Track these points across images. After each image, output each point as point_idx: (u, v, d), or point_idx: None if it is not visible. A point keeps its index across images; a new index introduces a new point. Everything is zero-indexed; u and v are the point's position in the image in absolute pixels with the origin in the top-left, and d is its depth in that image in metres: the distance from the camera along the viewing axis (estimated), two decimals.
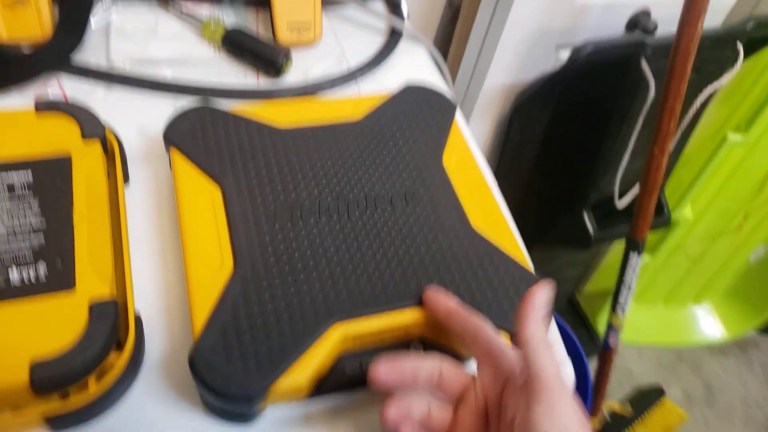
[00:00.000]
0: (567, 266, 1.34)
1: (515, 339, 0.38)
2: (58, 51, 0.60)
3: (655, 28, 0.90)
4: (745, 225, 1.24)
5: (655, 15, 0.94)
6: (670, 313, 1.49)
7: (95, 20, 0.65)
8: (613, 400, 1.39)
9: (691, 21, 0.71)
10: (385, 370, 0.40)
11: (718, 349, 1.55)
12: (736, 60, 0.91)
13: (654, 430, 1.35)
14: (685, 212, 1.20)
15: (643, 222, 0.88)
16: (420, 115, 0.56)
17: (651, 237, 1.03)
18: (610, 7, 0.93)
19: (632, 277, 0.95)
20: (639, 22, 0.91)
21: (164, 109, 0.60)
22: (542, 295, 0.39)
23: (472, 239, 0.47)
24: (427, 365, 0.41)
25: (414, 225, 0.47)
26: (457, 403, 0.41)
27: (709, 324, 1.50)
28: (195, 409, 0.43)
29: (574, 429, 0.34)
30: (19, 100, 0.58)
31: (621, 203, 0.98)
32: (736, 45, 0.90)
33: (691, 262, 1.34)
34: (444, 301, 0.42)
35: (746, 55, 0.92)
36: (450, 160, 0.53)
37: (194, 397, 0.43)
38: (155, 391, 0.43)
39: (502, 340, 0.40)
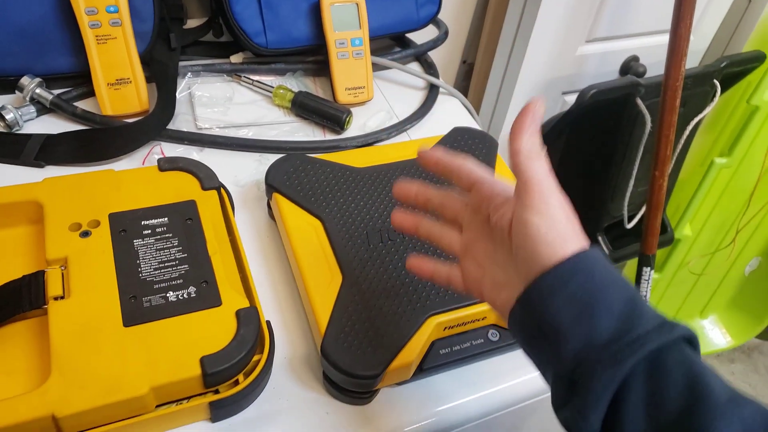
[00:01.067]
0: None
1: (510, 149, 0.39)
2: (159, 122, 0.71)
3: (645, 71, 1.04)
4: (738, 239, 1.36)
5: (644, 60, 1.09)
6: None
7: (178, 93, 0.77)
8: None
9: (675, 64, 0.85)
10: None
11: (726, 357, 1.65)
12: (714, 94, 1.05)
13: None
14: (685, 231, 1.32)
15: (651, 237, 0.99)
16: (469, 151, 0.67)
17: (658, 256, 1.14)
18: (604, 56, 1.08)
19: (647, 289, 1.05)
20: (630, 67, 1.05)
21: (250, 163, 0.71)
22: (536, 110, 0.39)
23: None
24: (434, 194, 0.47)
25: None
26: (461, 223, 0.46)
27: (716, 334, 1.61)
28: (320, 395, 0.53)
29: (562, 221, 0.37)
30: (129, 165, 0.69)
31: (630, 224, 1.10)
32: (713, 81, 1.03)
33: (694, 277, 1.45)
34: (432, 152, 0.47)
35: (723, 89, 1.06)
36: None
37: (318, 386, 0.53)
38: (285, 383, 0.53)
39: (483, 170, 0.45)
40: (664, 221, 1.23)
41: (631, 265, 1.36)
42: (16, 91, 0.70)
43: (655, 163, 0.93)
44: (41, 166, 0.67)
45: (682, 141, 1.05)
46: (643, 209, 1.10)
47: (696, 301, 1.54)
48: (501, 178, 0.45)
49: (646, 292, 1.05)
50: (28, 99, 0.70)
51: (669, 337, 0.34)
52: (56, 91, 0.72)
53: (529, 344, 0.39)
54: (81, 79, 0.73)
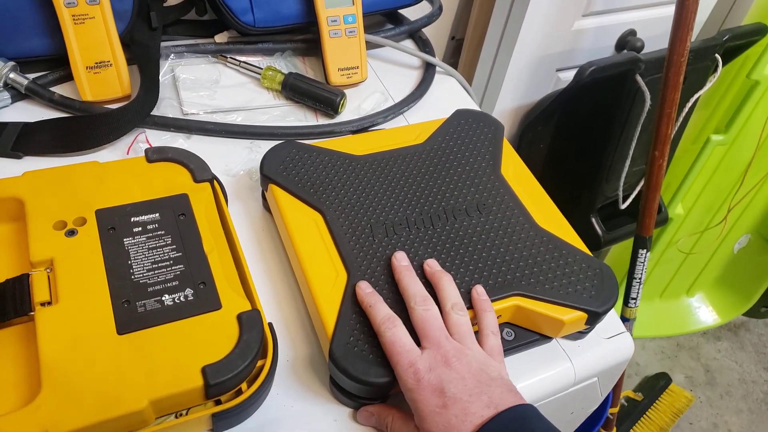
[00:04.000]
0: None
1: None
2: (143, 108, 0.67)
3: (642, 46, 1.01)
4: (729, 217, 1.35)
5: (641, 34, 1.06)
6: (667, 306, 1.60)
7: (161, 76, 0.73)
8: (627, 390, 1.48)
9: (681, 38, 0.82)
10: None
11: (712, 335, 1.67)
12: (715, 69, 1.03)
13: (665, 413, 1.45)
14: (677, 210, 1.31)
15: (649, 219, 0.98)
16: (473, 135, 0.64)
17: None
18: (600, 30, 1.05)
19: (642, 271, 1.04)
20: (627, 42, 1.02)
21: (240, 150, 0.68)
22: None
23: (542, 236, 0.56)
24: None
25: (491, 230, 0.56)
26: None
27: (703, 312, 1.62)
28: (326, 401, 0.50)
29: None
30: (113, 155, 0.65)
31: (624, 204, 1.08)
32: (714, 56, 1.01)
33: (683, 256, 1.45)
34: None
35: (723, 64, 1.04)
36: (508, 171, 0.61)
37: (324, 390, 0.51)
38: (289, 389, 0.51)
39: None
40: (660, 201, 1.22)
41: (623, 245, 1.35)
42: None
43: (655, 142, 0.90)
44: (19, 157, 0.63)
45: (681, 118, 1.03)
46: (638, 189, 1.08)
47: (683, 280, 1.55)
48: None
49: (641, 274, 1.03)
50: (1, 84, 0.66)
51: None
52: (31, 75, 0.68)
53: None
54: (58, 63, 0.69)
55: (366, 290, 0.50)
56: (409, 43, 0.85)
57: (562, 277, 0.53)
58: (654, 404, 1.46)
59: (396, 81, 0.79)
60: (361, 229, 0.55)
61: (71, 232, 0.51)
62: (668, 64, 0.84)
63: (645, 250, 1.01)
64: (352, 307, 0.49)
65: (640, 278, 1.06)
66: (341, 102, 0.71)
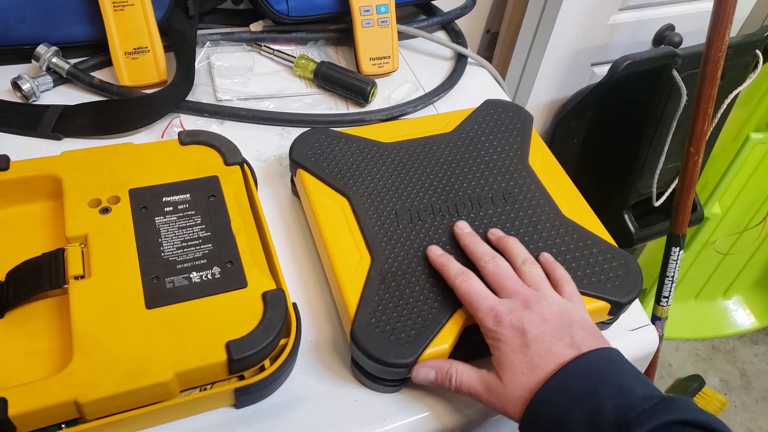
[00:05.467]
0: None
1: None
2: (178, 93, 0.68)
3: (681, 41, 0.99)
4: None
5: (680, 29, 1.04)
6: (703, 308, 1.57)
7: (197, 63, 0.74)
8: None
9: (719, 32, 0.80)
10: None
11: (749, 338, 1.63)
12: (756, 65, 1.00)
13: None
14: (714, 209, 1.29)
15: (682, 216, 0.96)
16: (502, 125, 0.64)
17: None
18: (638, 24, 1.03)
19: (675, 269, 1.02)
20: (665, 37, 1.00)
21: (272, 137, 0.69)
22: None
23: (567, 226, 0.56)
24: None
25: (516, 219, 0.56)
26: None
27: (740, 315, 1.58)
28: (347, 382, 0.51)
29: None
30: (148, 138, 0.67)
31: (658, 201, 1.07)
32: (755, 52, 0.99)
33: (719, 257, 1.42)
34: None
35: (765, 60, 1.01)
36: (535, 161, 0.61)
37: (345, 371, 0.51)
38: (311, 369, 0.52)
39: None
40: (695, 199, 1.20)
41: (658, 243, 1.33)
42: (32, 61, 0.68)
43: (690, 138, 0.89)
44: (59, 139, 0.65)
45: (719, 115, 1.01)
46: (673, 186, 1.07)
47: (720, 281, 1.51)
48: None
49: (674, 273, 1.02)
50: (44, 68, 0.68)
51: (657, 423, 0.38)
52: (72, 61, 0.70)
53: None
54: (98, 48, 0.71)
55: (437, 252, 0.52)
56: (441, 35, 0.85)
57: (586, 267, 0.53)
58: None
59: (427, 72, 0.80)
60: (386, 215, 0.55)
61: (105, 210, 0.52)
62: (705, 59, 0.83)
63: (678, 248, 1.00)
64: (375, 289, 0.50)
65: (672, 277, 1.04)
66: (372, 91, 0.72)
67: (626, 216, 1.12)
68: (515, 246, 0.52)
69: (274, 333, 0.46)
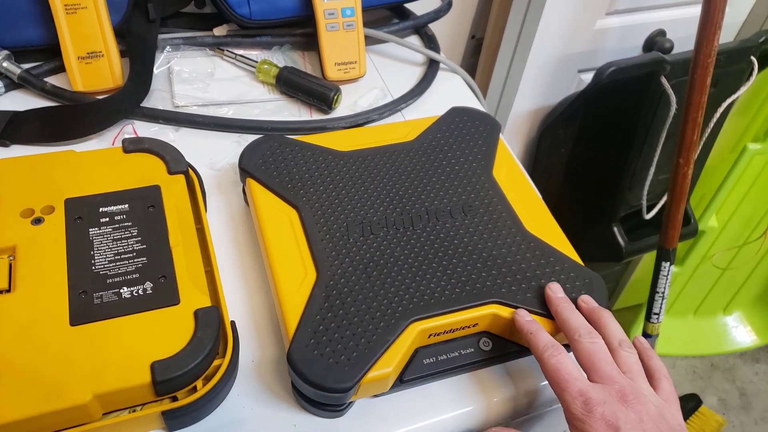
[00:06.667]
0: None
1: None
2: (131, 99, 0.66)
3: (672, 47, 0.96)
4: None
5: (671, 35, 1.00)
6: (701, 324, 1.52)
7: (156, 68, 0.71)
8: None
9: (708, 37, 0.77)
10: None
11: (750, 356, 1.57)
12: (751, 73, 0.96)
13: None
14: (710, 222, 1.24)
15: (672, 230, 0.92)
16: (467, 134, 0.61)
17: (678, 248, 1.06)
18: (626, 30, 0.99)
19: (665, 285, 0.98)
20: (655, 43, 0.96)
21: (229, 144, 0.66)
22: None
23: (529, 241, 0.52)
24: None
25: (474, 234, 0.52)
26: None
27: (740, 332, 1.53)
28: (289, 405, 0.48)
29: None
30: (100, 146, 0.64)
31: (649, 214, 1.02)
32: (750, 58, 0.95)
33: (718, 272, 1.37)
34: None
35: (760, 67, 0.97)
36: (500, 173, 0.58)
37: (287, 394, 0.48)
38: (251, 390, 0.48)
39: None
40: (688, 212, 1.15)
41: (649, 258, 1.29)
42: None
43: (680, 149, 0.85)
44: (6, 146, 0.63)
45: (711, 124, 0.96)
46: (664, 199, 1.02)
47: (719, 297, 1.46)
48: None
49: (665, 289, 0.97)
50: None
51: None
52: (26, 65, 0.67)
53: None
54: (52, 53, 0.68)
55: (526, 317, 0.47)
56: (414, 39, 0.82)
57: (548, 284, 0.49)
58: None
59: (398, 78, 0.76)
60: (336, 228, 0.52)
61: (37, 221, 0.50)
62: (694, 65, 0.79)
63: (668, 263, 0.96)
64: (317, 308, 0.46)
65: (663, 293, 1.00)
66: (335, 97, 0.69)
67: (615, 229, 1.08)
68: (611, 323, 0.46)
69: (203, 353, 0.43)
